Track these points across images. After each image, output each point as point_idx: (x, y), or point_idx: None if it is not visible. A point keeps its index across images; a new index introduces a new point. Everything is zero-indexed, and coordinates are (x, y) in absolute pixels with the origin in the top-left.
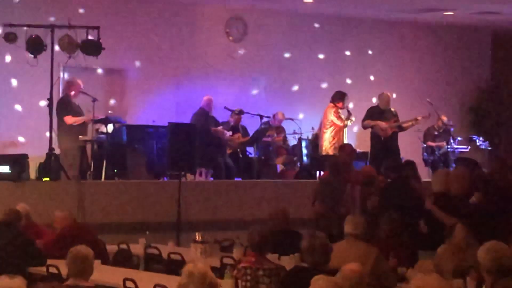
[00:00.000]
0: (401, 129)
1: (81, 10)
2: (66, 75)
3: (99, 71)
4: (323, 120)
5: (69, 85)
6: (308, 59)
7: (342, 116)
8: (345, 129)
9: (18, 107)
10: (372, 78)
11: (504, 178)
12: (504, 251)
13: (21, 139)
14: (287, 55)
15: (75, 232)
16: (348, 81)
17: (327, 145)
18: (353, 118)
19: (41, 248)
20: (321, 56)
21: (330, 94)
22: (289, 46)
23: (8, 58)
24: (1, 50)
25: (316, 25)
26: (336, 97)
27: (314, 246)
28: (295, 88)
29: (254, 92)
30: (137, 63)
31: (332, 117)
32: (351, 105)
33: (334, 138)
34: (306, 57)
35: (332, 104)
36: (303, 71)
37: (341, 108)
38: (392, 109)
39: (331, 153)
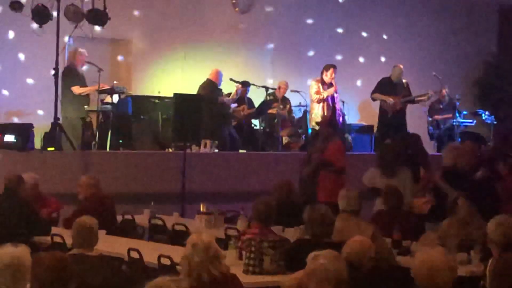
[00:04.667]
0: (413, 102)
1: None
2: (72, 45)
3: (105, 41)
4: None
5: (74, 54)
6: (316, 30)
7: (322, 89)
8: (342, 103)
9: (24, 77)
10: (381, 54)
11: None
12: None
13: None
14: (293, 26)
15: (97, 204)
16: (360, 58)
17: (312, 119)
18: (326, 92)
19: (63, 221)
20: (328, 27)
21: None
22: (296, 17)
23: (13, 31)
24: (7, 21)
25: None
26: (323, 68)
27: (314, 218)
28: (302, 59)
29: (260, 64)
30: (143, 34)
31: (311, 91)
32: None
33: (316, 112)
34: (313, 28)
35: (317, 78)
36: (310, 42)
37: (325, 81)
38: (404, 80)
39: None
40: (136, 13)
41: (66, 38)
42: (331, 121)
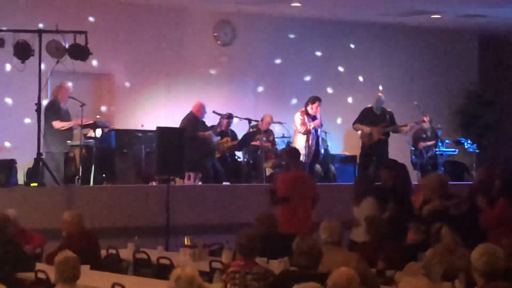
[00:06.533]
0: (396, 131)
1: (68, 14)
2: (54, 80)
3: (87, 76)
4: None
5: (58, 89)
6: (296, 62)
7: (307, 121)
8: (325, 134)
9: (5, 111)
10: (361, 79)
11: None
12: (497, 254)
13: (7, 144)
14: (275, 58)
15: (81, 240)
16: (333, 85)
17: None
18: (312, 124)
19: (46, 258)
20: (309, 59)
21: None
22: (278, 50)
23: None
24: None
25: (304, 29)
26: (308, 101)
27: (303, 249)
28: (284, 92)
29: (243, 96)
30: (125, 68)
31: (296, 123)
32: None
33: (300, 144)
34: (294, 60)
35: (302, 110)
36: (291, 74)
37: (309, 113)
38: (388, 110)
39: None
40: (117, 47)
41: (48, 73)
42: (292, 151)
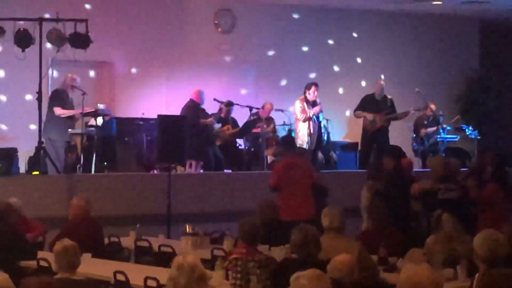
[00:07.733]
0: (396, 119)
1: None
2: (54, 69)
3: (88, 64)
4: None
5: (66, 78)
6: (297, 50)
7: (307, 108)
8: (327, 121)
9: (6, 100)
10: (360, 64)
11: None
12: (500, 241)
13: (3, 127)
14: (275, 46)
15: (84, 226)
16: (336, 68)
17: (299, 138)
18: (312, 111)
19: (50, 244)
20: (306, 48)
21: (319, 85)
22: (278, 38)
23: None
24: None
25: (304, 16)
26: (305, 87)
27: (303, 238)
28: (284, 79)
29: (243, 83)
30: (126, 56)
31: (296, 111)
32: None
33: (302, 131)
34: (294, 48)
35: (301, 97)
36: (292, 62)
37: (309, 99)
38: (389, 97)
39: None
40: (118, 35)
41: (49, 62)
42: (285, 138)
